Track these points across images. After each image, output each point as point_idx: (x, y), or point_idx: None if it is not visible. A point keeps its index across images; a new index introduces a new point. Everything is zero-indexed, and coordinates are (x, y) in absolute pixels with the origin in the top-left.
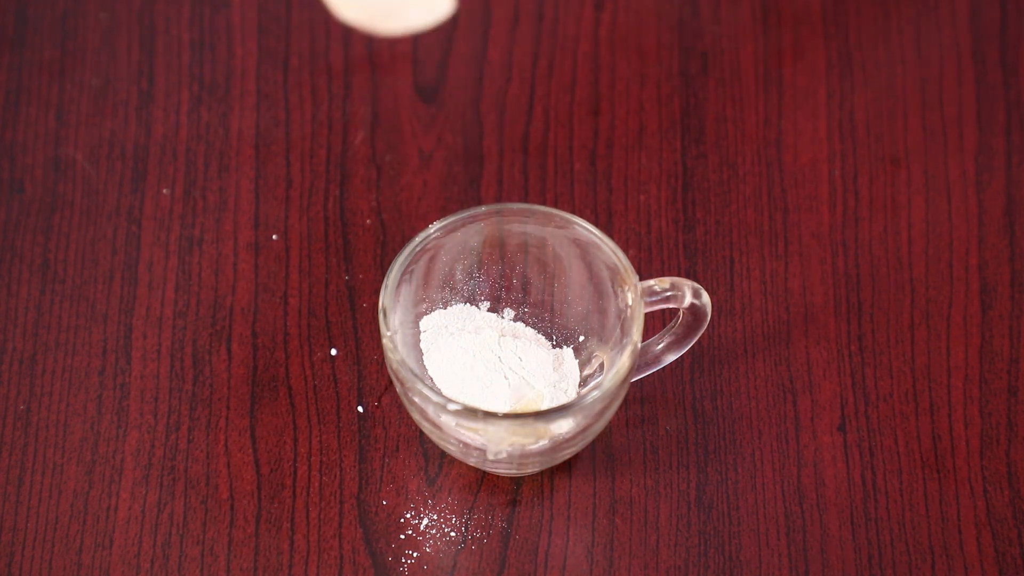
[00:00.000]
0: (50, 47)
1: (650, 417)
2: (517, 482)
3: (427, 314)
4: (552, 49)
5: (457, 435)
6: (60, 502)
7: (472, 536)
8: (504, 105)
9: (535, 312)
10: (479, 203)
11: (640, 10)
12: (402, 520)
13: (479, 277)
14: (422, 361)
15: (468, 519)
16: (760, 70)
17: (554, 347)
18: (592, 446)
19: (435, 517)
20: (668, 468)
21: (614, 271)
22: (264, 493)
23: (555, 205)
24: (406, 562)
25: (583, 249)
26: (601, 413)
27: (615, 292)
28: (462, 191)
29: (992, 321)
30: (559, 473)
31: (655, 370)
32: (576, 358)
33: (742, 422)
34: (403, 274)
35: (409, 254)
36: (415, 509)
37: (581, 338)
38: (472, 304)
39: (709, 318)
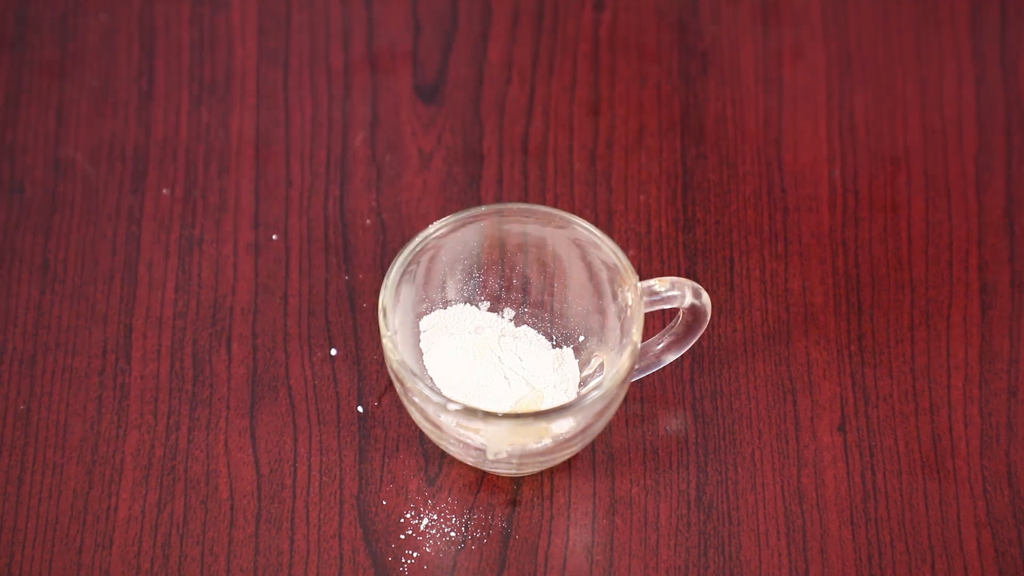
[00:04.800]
0: (50, 47)
1: (650, 417)
2: (517, 482)
3: (427, 314)
4: (552, 49)
5: (457, 435)
6: (60, 502)
7: (472, 536)
8: (504, 105)
9: (535, 312)
10: (479, 203)
11: (640, 10)
12: (402, 520)
13: (479, 277)
14: (422, 361)
15: (468, 519)
16: (760, 70)
17: (554, 347)
18: (592, 446)
19: (435, 517)
20: (668, 468)
21: (614, 271)
22: (264, 493)
23: (555, 205)
24: (406, 562)
25: (583, 249)
26: (601, 413)
27: (615, 292)
28: (462, 191)
29: (992, 321)
30: (559, 473)
31: (655, 370)
32: (576, 358)
33: (742, 422)
34: (403, 274)
35: (409, 254)
36: (415, 509)
37: (581, 338)
38: (472, 304)
39: (709, 318)
